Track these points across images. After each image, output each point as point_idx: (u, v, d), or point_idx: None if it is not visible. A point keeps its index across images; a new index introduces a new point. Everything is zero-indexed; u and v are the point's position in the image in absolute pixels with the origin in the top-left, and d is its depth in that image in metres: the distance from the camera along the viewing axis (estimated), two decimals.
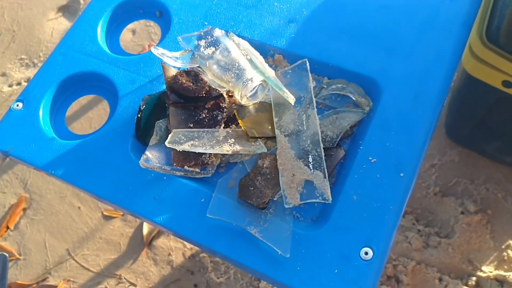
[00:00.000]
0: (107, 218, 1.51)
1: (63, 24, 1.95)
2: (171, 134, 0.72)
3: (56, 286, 1.43)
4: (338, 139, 0.72)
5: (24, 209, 1.56)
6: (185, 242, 1.43)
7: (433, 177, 1.42)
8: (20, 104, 0.82)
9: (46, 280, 1.44)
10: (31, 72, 1.85)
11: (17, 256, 1.48)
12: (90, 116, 1.68)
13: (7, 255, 0.89)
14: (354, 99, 0.75)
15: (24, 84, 1.82)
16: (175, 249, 1.43)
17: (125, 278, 1.41)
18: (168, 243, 1.44)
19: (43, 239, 1.50)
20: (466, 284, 1.27)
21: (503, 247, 1.32)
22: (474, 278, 1.28)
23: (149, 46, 1.78)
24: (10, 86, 1.83)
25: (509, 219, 1.35)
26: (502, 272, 1.27)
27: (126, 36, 1.84)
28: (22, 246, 1.49)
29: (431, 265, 1.31)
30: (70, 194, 1.56)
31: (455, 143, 1.45)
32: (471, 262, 1.31)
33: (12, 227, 1.53)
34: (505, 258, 1.30)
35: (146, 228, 1.46)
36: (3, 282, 0.89)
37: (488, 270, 1.29)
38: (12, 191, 1.59)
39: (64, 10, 1.99)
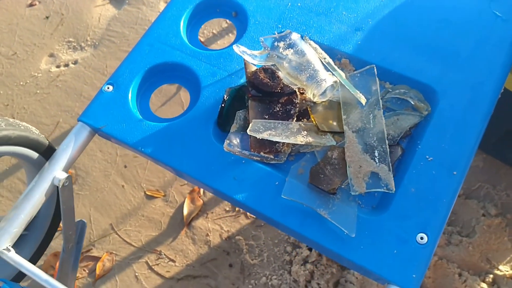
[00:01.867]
0: (149, 197, 1.61)
1: (110, 11, 2.04)
2: (252, 123, 0.82)
3: (100, 258, 1.53)
4: (399, 138, 0.82)
5: None
6: (222, 224, 1.54)
7: None
8: (111, 87, 0.91)
9: (90, 251, 1.55)
10: (78, 55, 1.95)
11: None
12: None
13: (85, 221, 0.98)
14: (413, 103, 0.85)
15: (72, 66, 1.92)
16: (212, 230, 1.53)
17: (164, 254, 1.51)
18: (206, 224, 1.54)
19: (88, 213, 1.61)
20: (484, 281, 1.37)
21: None
22: (491, 276, 1.37)
23: None
24: (58, 67, 1.93)
25: None
26: None
27: None
28: None
29: (452, 261, 1.40)
30: (114, 173, 1.66)
31: (480, 150, 1.54)
32: (489, 261, 1.40)
33: None
34: None
35: (186, 209, 1.56)
36: (79, 246, 0.99)
37: (504, 269, 1.39)
38: None
39: None
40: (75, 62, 1.92)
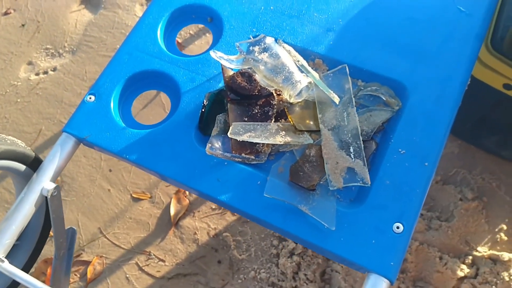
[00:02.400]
0: (136, 200, 1.64)
1: (86, 16, 2.05)
2: (232, 126, 0.85)
3: (90, 262, 1.55)
4: (372, 133, 0.86)
5: None
6: (210, 222, 1.57)
7: None
8: (93, 97, 0.94)
9: (80, 256, 1.57)
10: (57, 62, 1.96)
11: (52, 234, 1.60)
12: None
13: (75, 228, 1.01)
14: (384, 99, 0.89)
15: (51, 73, 1.93)
16: (200, 228, 1.57)
17: (154, 255, 1.54)
18: (194, 223, 1.58)
19: (75, 219, 1.63)
20: (464, 262, 1.42)
21: (496, 230, 1.48)
22: (470, 257, 1.43)
23: None
24: (37, 74, 1.94)
25: (502, 205, 1.51)
26: (495, 252, 1.43)
27: None
28: None
29: (433, 245, 1.46)
30: (100, 178, 1.68)
31: (455, 137, 1.60)
32: (468, 243, 1.46)
33: None
34: (498, 240, 1.46)
35: (173, 209, 1.59)
36: (70, 252, 1.02)
37: (483, 250, 1.45)
38: None
39: (86, 2, 2.09)
40: (54, 69, 1.93)
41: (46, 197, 0.88)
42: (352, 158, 0.82)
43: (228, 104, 0.88)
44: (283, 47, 0.90)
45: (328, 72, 0.90)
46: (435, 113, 0.86)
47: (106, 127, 0.90)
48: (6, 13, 2.09)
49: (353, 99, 0.86)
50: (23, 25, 2.05)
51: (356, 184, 0.81)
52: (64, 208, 1.63)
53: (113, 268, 1.55)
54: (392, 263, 0.75)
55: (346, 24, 0.96)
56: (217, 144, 0.86)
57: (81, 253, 1.58)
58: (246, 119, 0.88)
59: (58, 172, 0.90)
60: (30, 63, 1.97)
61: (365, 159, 0.81)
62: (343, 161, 0.82)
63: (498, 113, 1.31)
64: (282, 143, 0.84)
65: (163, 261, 1.53)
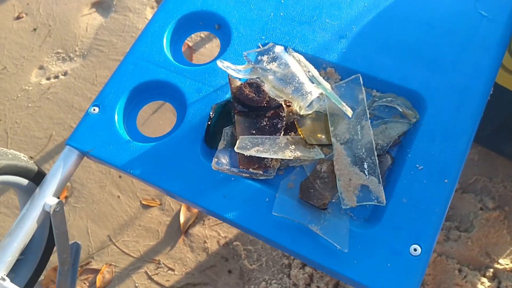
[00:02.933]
0: (146, 207, 1.61)
1: (97, 19, 2.03)
2: (239, 140, 0.81)
3: (99, 270, 1.53)
4: (388, 147, 0.81)
5: (66, 197, 1.66)
6: (220, 230, 1.54)
7: None
8: (97, 109, 0.91)
9: (89, 264, 1.55)
10: (67, 66, 1.94)
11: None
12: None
13: (80, 243, 0.98)
14: (401, 111, 0.84)
15: (62, 77, 1.91)
16: (210, 237, 1.53)
17: (163, 263, 1.51)
18: (204, 231, 1.54)
19: (85, 226, 1.61)
20: (484, 275, 1.37)
21: None
22: (491, 270, 1.37)
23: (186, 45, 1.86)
24: (48, 79, 1.92)
25: None
26: None
27: None
28: None
29: (451, 257, 1.40)
30: (109, 184, 1.66)
31: (475, 143, 1.54)
32: (489, 255, 1.40)
33: None
34: None
35: (183, 217, 1.56)
36: (75, 267, 0.99)
37: (504, 263, 1.39)
38: None
39: (98, 6, 2.06)
40: (65, 74, 1.91)
41: (49, 212, 0.85)
42: (366, 175, 0.77)
43: (235, 116, 0.84)
44: (293, 56, 0.85)
45: (341, 82, 0.86)
46: (455, 126, 0.81)
47: (110, 140, 0.87)
48: (18, 17, 2.08)
49: (367, 111, 0.81)
50: (34, 29, 2.04)
51: (370, 203, 0.76)
52: (73, 215, 1.62)
53: (122, 276, 1.52)
54: None
55: (360, 30, 0.91)
56: (224, 159, 0.83)
57: (90, 261, 1.55)
58: (254, 132, 0.84)
59: (62, 186, 0.87)
60: (41, 68, 1.95)
61: (380, 176, 0.77)
62: (357, 178, 0.77)
63: None
64: (291, 158, 0.80)
65: (172, 270, 1.50)
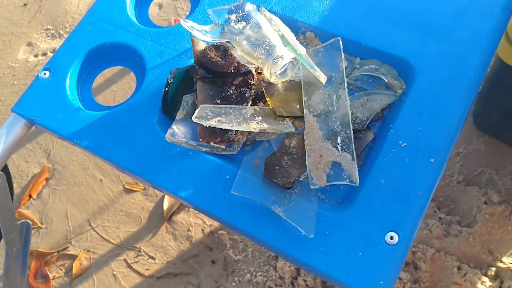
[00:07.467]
0: (128, 191, 1.52)
1: None
2: (198, 109, 0.72)
3: (77, 256, 1.45)
4: (368, 121, 0.71)
5: (47, 179, 1.58)
6: (205, 218, 1.44)
7: (458, 166, 1.40)
8: (47, 73, 0.82)
9: (67, 249, 1.47)
10: (57, 43, 1.86)
11: (39, 224, 1.50)
12: (114, 90, 1.68)
13: (30, 222, 0.90)
14: (386, 81, 0.73)
15: (50, 54, 1.83)
16: (194, 225, 1.44)
17: (144, 251, 1.43)
18: (188, 218, 1.45)
19: (64, 209, 1.52)
20: (485, 274, 1.25)
21: None
22: (493, 269, 1.26)
23: (175, 21, 1.77)
24: (36, 56, 1.84)
25: None
26: None
27: (152, 11, 1.82)
28: (44, 215, 1.52)
29: (451, 254, 1.29)
30: (92, 166, 1.58)
31: (482, 132, 1.42)
32: (492, 252, 1.29)
33: (34, 196, 1.55)
34: None
35: (166, 203, 1.46)
36: (25, 249, 0.90)
37: (508, 262, 1.27)
38: (35, 160, 1.61)
39: None
40: (53, 51, 1.83)
41: None
42: (339, 151, 0.67)
43: (197, 83, 0.75)
44: (265, 15, 0.75)
45: (318, 46, 0.75)
46: (446, 99, 0.70)
47: (59, 107, 0.78)
48: None
49: (346, 79, 0.70)
50: (25, 5, 1.96)
51: (341, 182, 0.66)
52: (53, 198, 1.54)
53: (100, 264, 1.44)
54: (381, 282, 0.60)
55: None
56: (180, 131, 0.73)
57: (68, 246, 1.47)
58: (218, 101, 0.74)
59: (5, 158, 0.78)
60: (29, 44, 1.88)
61: (354, 152, 0.66)
62: (328, 154, 0.67)
63: None
64: (257, 130, 0.70)
65: (153, 258, 1.42)
